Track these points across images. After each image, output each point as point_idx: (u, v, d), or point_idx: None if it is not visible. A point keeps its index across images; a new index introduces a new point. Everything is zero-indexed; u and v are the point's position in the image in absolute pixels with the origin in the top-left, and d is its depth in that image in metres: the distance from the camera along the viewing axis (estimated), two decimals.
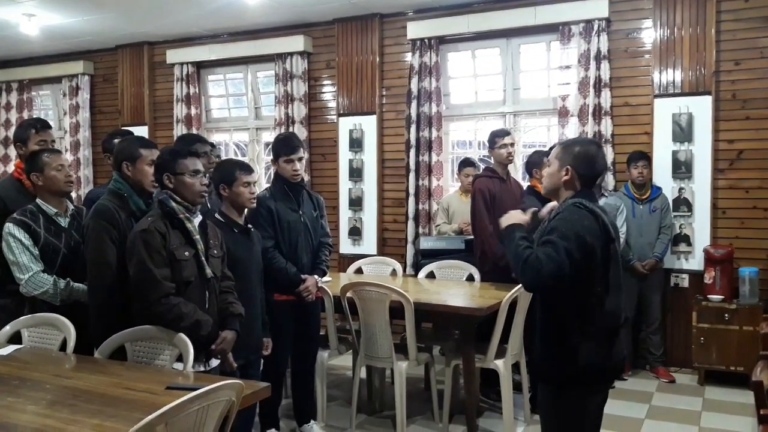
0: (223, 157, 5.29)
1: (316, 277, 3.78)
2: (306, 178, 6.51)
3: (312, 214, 3.84)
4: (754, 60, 5.03)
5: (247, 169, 3.34)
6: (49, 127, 3.77)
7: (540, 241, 2.37)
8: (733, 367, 4.77)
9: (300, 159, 3.72)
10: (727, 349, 4.78)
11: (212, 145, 4.33)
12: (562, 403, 2.43)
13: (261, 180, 6.99)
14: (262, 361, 3.50)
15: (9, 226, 3.05)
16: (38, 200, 3.17)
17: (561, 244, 2.26)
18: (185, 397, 1.81)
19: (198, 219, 2.85)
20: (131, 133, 3.98)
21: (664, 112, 5.22)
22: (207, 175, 2.99)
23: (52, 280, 3.05)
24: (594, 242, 2.31)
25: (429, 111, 6.04)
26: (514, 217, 2.50)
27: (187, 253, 2.74)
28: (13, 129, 8.06)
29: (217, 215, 3.28)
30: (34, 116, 7.95)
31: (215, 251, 2.90)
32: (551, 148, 4.65)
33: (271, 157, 3.83)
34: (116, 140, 3.65)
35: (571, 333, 2.36)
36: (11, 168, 7.83)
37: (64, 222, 3.19)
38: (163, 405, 1.77)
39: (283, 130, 6.53)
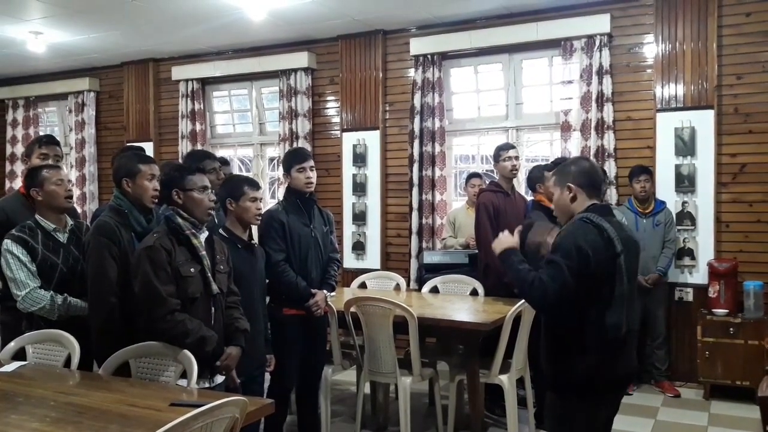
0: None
1: (325, 291, 3.78)
2: None
3: (323, 229, 3.85)
4: (756, 74, 5.05)
5: (255, 185, 3.36)
6: (55, 142, 3.79)
7: (545, 260, 2.44)
8: (738, 381, 4.74)
9: (312, 168, 3.75)
10: (732, 363, 4.76)
11: (224, 161, 4.35)
12: (568, 413, 2.46)
13: (265, 195, 7.02)
14: (266, 376, 3.51)
15: (7, 243, 3.06)
16: (37, 216, 3.16)
17: (563, 262, 2.33)
18: (189, 414, 1.80)
19: (204, 235, 2.87)
20: (142, 149, 4.01)
21: (666, 126, 5.24)
22: (215, 191, 3.00)
23: (49, 296, 3.05)
24: (596, 256, 2.35)
25: (432, 126, 6.07)
26: (505, 241, 2.58)
27: (192, 270, 2.75)
28: (19, 145, 8.15)
29: (221, 230, 3.29)
30: (41, 133, 8.03)
31: (222, 267, 2.91)
32: (552, 162, 4.72)
33: (282, 171, 3.85)
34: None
35: (574, 344, 2.41)
36: (18, 183, 7.90)
37: (62, 237, 3.19)
38: (167, 422, 1.77)
39: (287, 146, 6.58)
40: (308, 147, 6.60)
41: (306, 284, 3.67)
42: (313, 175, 3.75)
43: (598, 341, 2.39)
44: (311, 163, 3.76)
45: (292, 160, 3.75)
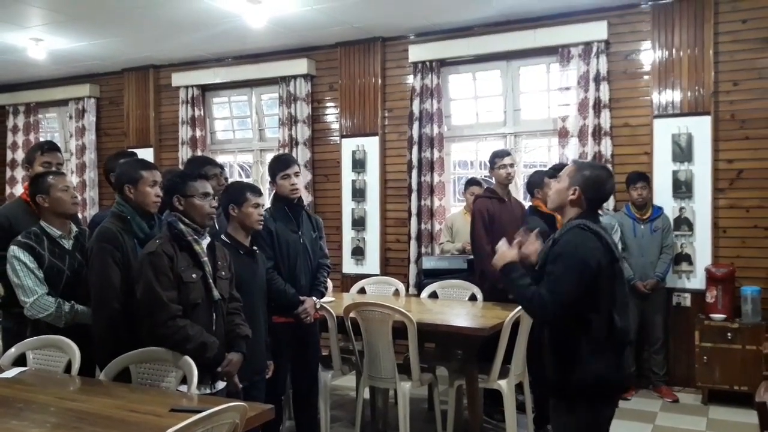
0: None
1: (314, 298, 3.77)
2: (309, 198, 6.59)
3: (311, 235, 3.84)
4: (752, 80, 5.08)
5: (257, 191, 3.37)
6: (57, 149, 3.78)
7: (546, 270, 2.46)
8: (736, 386, 4.75)
9: (296, 173, 3.73)
10: (730, 368, 4.77)
11: (221, 167, 4.37)
12: (575, 416, 2.48)
13: (266, 201, 7.03)
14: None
15: (13, 249, 3.06)
16: (42, 222, 3.17)
17: (564, 277, 2.38)
18: (189, 420, 1.82)
19: (206, 241, 2.88)
20: (134, 154, 4.02)
21: (663, 132, 5.26)
22: (216, 197, 3.02)
23: (56, 303, 3.06)
24: (599, 263, 2.40)
25: (431, 132, 6.09)
26: (504, 255, 2.59)
27: (194, 276, 2.76)
28: (20, 151, 8.17)
29: (223, 236, 3.30)
30: (41, 139, 8.04)
31: (223, 273, 2.93)
32: (552, 168, 4.74)
33: (269, 179, 3.84)
34: (122, 161, 3.68)
35: (582, 349, 2.43)
36: (18, 189, 7.91)
37: (67, 244, 3.20)
38: (168, 427, 1.79)
39: (286, 152, 6.59)
40: (308, 153, 6.64)
41: (295, 291, 3.65)
42: (298, 181, 3.73)
43: (607, 346, 2.43)
44: (296, 169, 3.74)
45: (276, 167, 3.74)
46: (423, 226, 6.12)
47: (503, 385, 3.87)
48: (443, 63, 6.12)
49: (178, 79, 7.32)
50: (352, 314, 3.92)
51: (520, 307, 3.75)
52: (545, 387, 2.64)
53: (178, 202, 2.83)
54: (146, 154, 7.11)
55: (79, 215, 7.08)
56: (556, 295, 2.37)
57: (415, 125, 6.12)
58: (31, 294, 3.03)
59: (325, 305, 3.94)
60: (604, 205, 5.28)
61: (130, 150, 4.97)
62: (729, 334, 4.78)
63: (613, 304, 2.44)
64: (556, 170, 4.62)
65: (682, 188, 5.19)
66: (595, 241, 2.43)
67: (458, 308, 4.45)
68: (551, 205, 2.66)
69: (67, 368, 2.89)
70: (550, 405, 2.61)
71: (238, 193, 3.32)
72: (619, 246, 4.90)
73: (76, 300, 3.13)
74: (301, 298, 3.68)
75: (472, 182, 5.52)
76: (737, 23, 5.11)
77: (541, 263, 2.55)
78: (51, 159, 3.65)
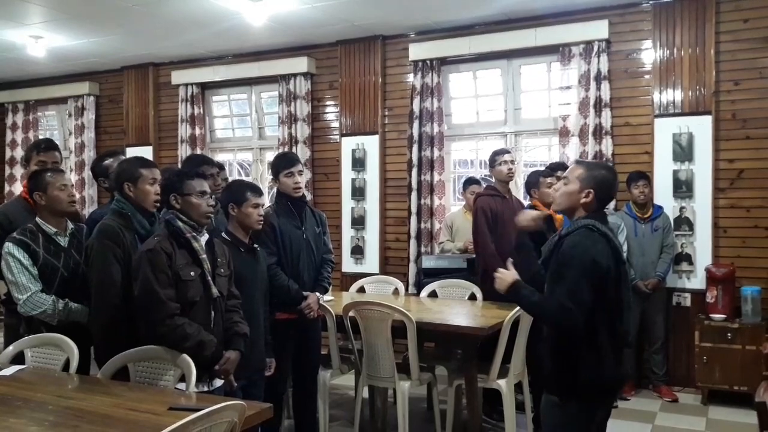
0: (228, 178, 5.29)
1: (317, 294, 3.78)
2: (309, 196, 6.58)
3: (315, 230, 3.85)
4: (753, 80, 5.07)
5: (258, 191, 3.37)
6: (54, 148, 3.76)
7: (556, 272, 2.41)
8: (736, 386, 4.75)
9: (300, 172, 3.74)
10: (730, 368, 4.76)
11: (220, 166, 4.37)
12: (568, 415, 2.47)
13: (266, 201, 7.02)
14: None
15: (8, 246, 3.05)
16: (38, 219, 3.16)
17: (581, 282, 2.34)
18: (188, 419, 1.81)
19: (205, 238, 2.88)
20: (118, 152, 3.99)
21: (664, 131, 5.26)
22: (213, 196, 3.01)
23: (50, 300, 3.05)
24: (608, 265, 2.38)
25: (431, 131, 6.08)
26: (505, 278, 2.55)
27: (192, 273, 2.76)
28: (19, 149, 8.16)
29: (223, 234, 3.30)
30: (40, 137, 8.04)
31: (222, 270, 2.92)
32: (549, 167, 4.74)
33: (271, 176, 3.84)
34: (106, 162, 3.67)
35: (581, 349, 2.41)
36: (17, 186, 7.91)
37: (63, 241, 3.19)
38: (166, 426, 1.78)
39: (286, 150, 6.58)
40: (307, 151, 6.63)
41: (298, 287, 3.66)
42: (301, 180, 3.74)
43: (608, 347, 2.42)
44: (299, 167, 3.76)
45: (280, 165, 3.75)
46: (423, 225, 6.11)
47: (502, 384, 3.86)
48: (444, 61, 6.11)
49: (178, 77, 7.31)
50: (351, 313, 3.92)
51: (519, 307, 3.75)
52: (540, 381, 2.61)
53: (175, 200, 2.82)
54: (145, 152, 7.14)
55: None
56: (578, 302, 2.33)
57: (416, 124, 6.11)
58: (25, 291, 3.02)
59: (324, 304, 3.94)
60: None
61: (113, 150, 4.89)
62: (729, 334, 4.77)
63: (618, 307, 2.43)
64: (552, 169, 4.63)
65: (682, 188, 5.19)
66: (604, 243, 2.40)
67: (458, 307, 4.44)
68: (559, 207, 2.60)
69: (66, 366, 2.88)
70: (541, 401, 2.59)
71: (238, 193, 3.32)
72: (625, 246, 4.89)
73: (72, 297, 3.12)
74: (305, 293, 3.68)
75: (471, 181, 5.50)
76: (739, 23, 5.10)
77: (546, 256, 2.54)
78: (47, 158, 3.64)
